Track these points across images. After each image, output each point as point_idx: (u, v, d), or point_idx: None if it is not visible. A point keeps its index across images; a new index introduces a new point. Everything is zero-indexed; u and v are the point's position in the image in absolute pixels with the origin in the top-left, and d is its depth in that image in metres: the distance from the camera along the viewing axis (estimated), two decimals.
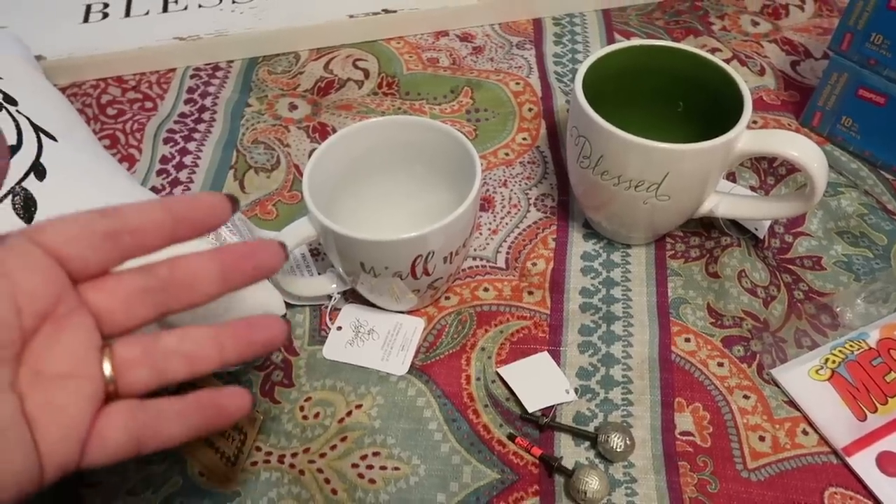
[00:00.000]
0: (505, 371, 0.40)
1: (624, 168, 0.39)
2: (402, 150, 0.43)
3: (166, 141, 0.54)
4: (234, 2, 0.63)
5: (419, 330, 0.42)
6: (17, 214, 0.34)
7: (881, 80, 0.48)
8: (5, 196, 0.35)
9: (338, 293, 0.42)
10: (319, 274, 0.45)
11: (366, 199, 0.44)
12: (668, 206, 0.41)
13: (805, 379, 0.39)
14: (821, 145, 0.53)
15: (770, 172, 0.50)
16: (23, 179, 0.35)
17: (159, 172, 0.52)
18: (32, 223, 0.26)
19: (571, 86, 0.57)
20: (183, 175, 0.51)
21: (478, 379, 0.40)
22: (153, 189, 0.51)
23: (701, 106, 0.44)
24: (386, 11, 0.61)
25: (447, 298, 0.44)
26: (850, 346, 0.40)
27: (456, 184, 0.41)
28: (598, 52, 0.43)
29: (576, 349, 0.41)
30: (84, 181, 0.38)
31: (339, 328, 0.42)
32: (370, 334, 0.42)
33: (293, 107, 0.56)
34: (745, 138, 0.39)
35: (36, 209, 0.35)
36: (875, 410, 0.37)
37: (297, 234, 0.37)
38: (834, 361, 0.40)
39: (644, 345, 0.41)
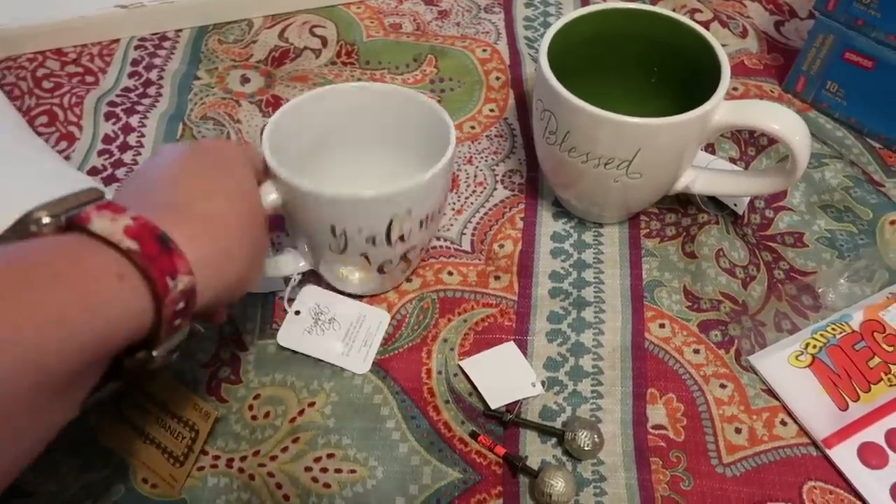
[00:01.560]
0: (468, 364, 0.38)
1: (592, 145, 0.37)
2: (372, 121, 0.40)
3: (108, 116, 0.50)
4: None
5: (384, 324, 0.39)
6: None
7: (869, 42, 0.45)
8: None
9: (297, 276, 0.39)
10: (277, 254, 0.41)
11: (332, 172, 0.41)
12: (640, 183, 0.38)
13: (784, 366, 0.37)
14: (804, 112, 0.50)
15: (751, 143, 0.47)
16: None
17: (101, 153, 0.48)
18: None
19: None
20: (127, 157, 0.48)
21: (439, 373, 0.38)
22: (93, 170, 0.47)
23: (677, 75, 0.41)
24: None
25: (409, 281, 0.41)
26: (833, 329, 0.38)
27: (430, 157, 0.37)
28: (567, 16, 0.40)
29: (544, 338, 0.39)
30: (6, 165, 0.35)
31: (298, 313, 0.39)
32: (331, 323, 0.39)
33: (245, 79, 0.53)
34: (722, 110, 0.36)
35: None
36: (857, 399, 0.36)
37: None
38: (815, 346, 0.37)
39: (616, 332, 0.39)
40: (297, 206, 0.34)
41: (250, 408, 0.37)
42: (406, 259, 0.38)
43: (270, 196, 0.34)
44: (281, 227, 0.43)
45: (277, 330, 0.39)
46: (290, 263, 0.39)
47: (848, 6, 0.45)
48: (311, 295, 0.40)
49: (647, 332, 0.39)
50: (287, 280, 0.40)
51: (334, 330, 0.39)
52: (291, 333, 0.39)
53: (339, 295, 0.41)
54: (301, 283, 0.41)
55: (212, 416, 0.35)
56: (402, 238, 0.35)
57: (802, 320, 0.39)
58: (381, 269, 0.37)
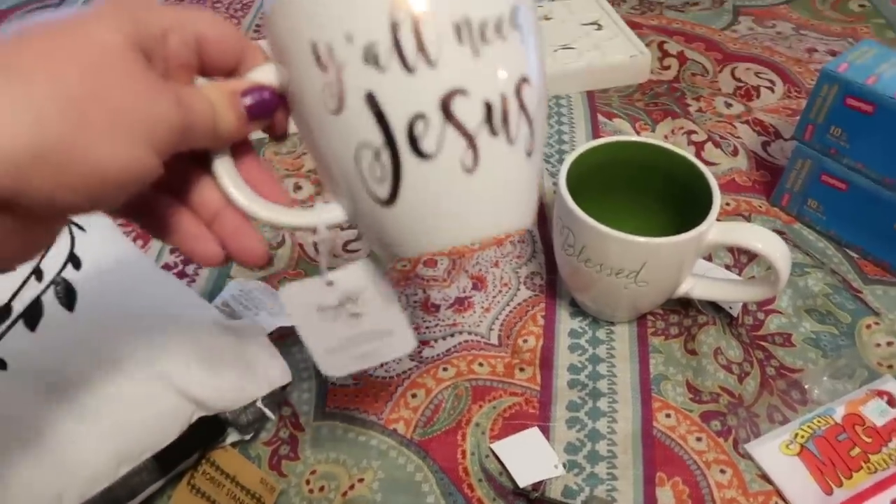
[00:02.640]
0: (498, 447, 0.43)
1: (605, 257, 0.43)
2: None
3: None
4: None
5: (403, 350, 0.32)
6: (60, 303, 0.37)
7: (841, 167, 0.52)
8: (48, 286, 0.38)
9: (326, 230, 0.27)
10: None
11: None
12: (647, 290, 0.44)
13: (777, 453, 0.42)
14: (790, 224, 0.57)
15: (742, 252, 0.54)
16: (62, 270, 0.38)
17: (173, 249, 0.55)
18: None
19: (559, 167, 0.62)
20: None
21: (472, 454, 0.43)
22: (166, 266, 0.54)
23: (677, 196, 0.48)
24: None
25: (445, 370, 0.47)
26: (818, 421, 0.43)
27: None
28: (581, 147, 0.47)
29: (564, 424, 0.44)
30: (114, 268, 0.41)
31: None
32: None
33: (298, 187, 0.60)
34: (714, 231, 0.43)
35: (76, 298, 0.38)
36: (841, 485, 0.40)
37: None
38: (803, 436, 0.43)
39: (628, 421, 0.44)
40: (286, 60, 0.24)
41: (307, 482, 0.42)
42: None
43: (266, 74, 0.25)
44: None
45: (333, 412, 0.45)
46: (308, 212, 0.27)
47: (822, 136, 0.53)
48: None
49: (655, 421, 0.44)
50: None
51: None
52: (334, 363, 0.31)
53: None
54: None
55: (276, 489, 0.40)
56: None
57: (792, 413, 0.44)
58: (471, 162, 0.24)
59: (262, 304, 0.44)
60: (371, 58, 0.22)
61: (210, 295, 0.51)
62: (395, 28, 0.22)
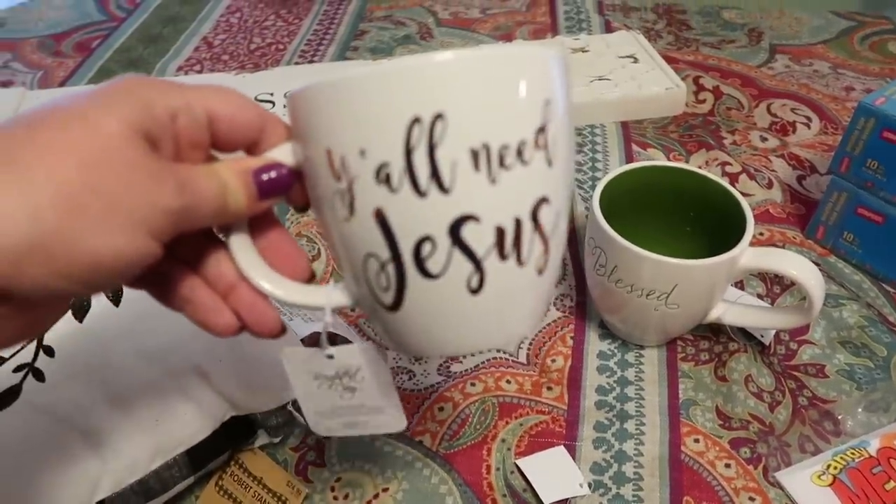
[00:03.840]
0: (523, 463, 0.43)
1: (636, 278, 0.43)
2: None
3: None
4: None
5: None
6: (108, 297, 0.38)
7: (878, 200, 0.52)
8: None
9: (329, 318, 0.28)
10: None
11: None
12: (677, 313, 0.45)
13: (808, 484, 0.41)
14: (825, 257, 0.56)
15: (776, 282, 0.54)
16: None
17: None
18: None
19: (591, 193, 0.62)
20: None
21: (497, 469, 0.43)
22: None
23: (709, 219, 0.48)
24: None
25: (473, 385, 0.47)
26: (852, 453, 0.42)
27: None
28: (615, 170, 0.48)
29: (590, 444, 0.44)
30: None
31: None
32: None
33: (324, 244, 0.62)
34: (747, 255, 0.43)
35: (122, 293, 0.39)
36: None
37: None
38: (836, 468, 0.42)
39: (655, 444, 0.44)
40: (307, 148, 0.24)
41: (332, 489, 0.42)
42: (541, 241, 0.24)
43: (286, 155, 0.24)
44: None
45: None
46: (318, 294, 0.27)
47: (858, 169, 0.53)
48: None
49: (683, 445, 0.44)
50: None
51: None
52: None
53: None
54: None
55: (302, 493, 0.41)
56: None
57: (824, 443, 0.44)
58: (477, 285, 0.23)
59: (297, 309, 0.45)
60: (383, 177, 0.22)
61: None
62: (408, 151, 0.21)
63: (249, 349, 0.39)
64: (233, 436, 0.40)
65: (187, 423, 0.37)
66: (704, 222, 0.49)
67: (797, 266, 0.42)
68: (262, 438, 0.42)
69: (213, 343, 0.38)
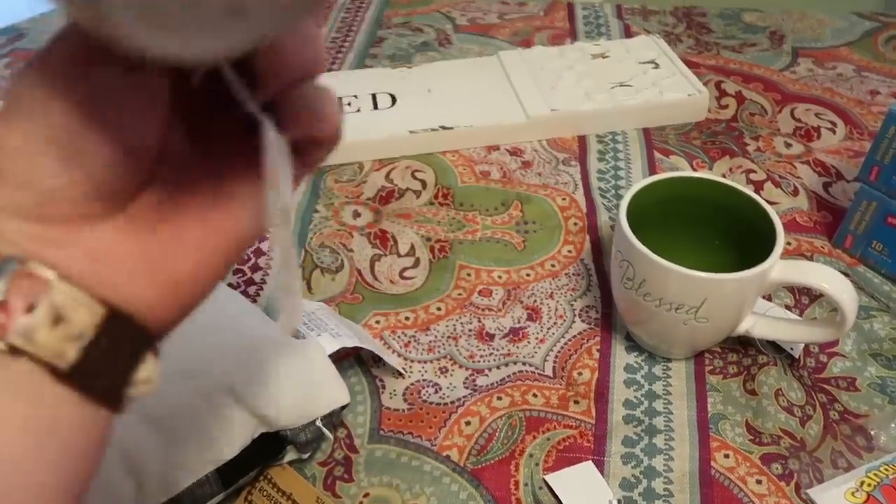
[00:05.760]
0: (552, 479, 0.43)
1: (665, 292, 0.43)
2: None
3: None
4: None
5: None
6: None
7: None
8: None
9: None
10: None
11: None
12: (706, 326, 0.44)
13: (842, 501, 0.41)
14: (853, 266, 0.56)
15: (804, 293, 0.53)
16: None
17: (235, 271, 0.57)
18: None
19: (614, 202, 0.62)
20: (257, 276, 0.57)
21: (525, 485, 0.43)
22: (229, 284, 0.56)
23: (737, 230, 0.48)
24: (443, 128, 0.67)
25: (499, 399, 0.47)
26: (885, 469, 0.42)
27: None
28: (640, 182, 0.47)
29: (619, 460, 0.44)
30: None
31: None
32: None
33: (357, 214, 0.62)
34: (778, 268, 0.42)
35: None
36: None
37: None
38: (869, 484, 0.41)
39: (685, 459, 0.44)
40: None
41: None
42: None
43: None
44: None
45: (387, 435, 0.45)
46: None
47: (888, 178, 0.52)
48: None
49: (713, 460, 0.44)
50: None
51: None
52: None
53: None
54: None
55: None
56: None
57: (857, 459, 0.43)
58: None
59: (325, 325, 0.46)
60: None
61: (268, 315, 0.52)
62: None
63: (279, 366, 0.40)
64: (262, 452, 0.40)
65: (220, 441, 0.37)
66: (732, 234, 0.48)
67: (829, 280, 0.42)
68: (290, 454, 0.42)
69: (244, 360, 0.39)
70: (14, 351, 0.18)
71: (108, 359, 0.20)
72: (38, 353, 0.18)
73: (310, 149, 0.23)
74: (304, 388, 0.40)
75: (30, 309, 0.18)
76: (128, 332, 0.20)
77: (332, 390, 0.42)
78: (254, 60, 0.20)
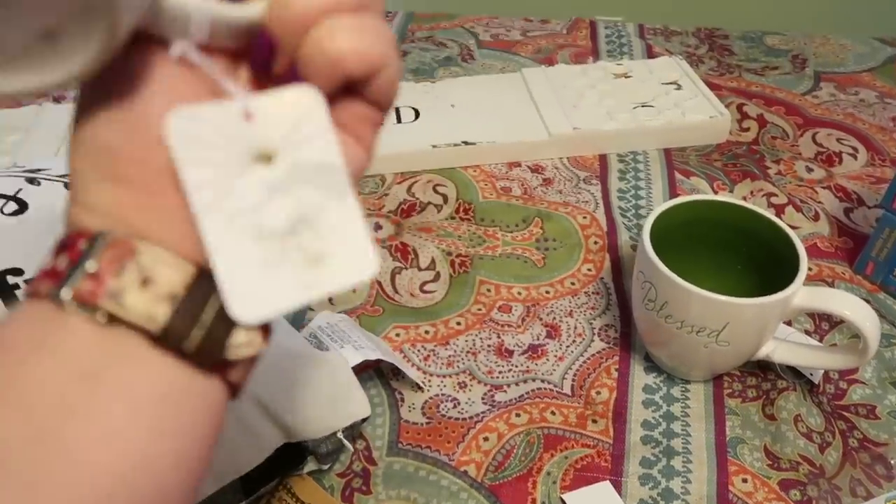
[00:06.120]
0: (569, 498, 0.43)
1: (687, 314, 0.43)
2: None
3: None
4: None
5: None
6: None
7: None
8: None
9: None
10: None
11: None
12: (727, 350, 0.44)
13: None
14: (874, 293, 0.55)
15: (824, 318, 0.53)
16: None
17: None
18: None
19: (635, 221, 0.62)
20: None
21: (543, 503, 0.43)
22: None
23: (758, 255, 0.48)
24: (465, 143, 0.68)
25: (518, 416, 0.47)
26: None
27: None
28: (663, 205, 0.48)
29: (636, 481, 0.44)
30: None
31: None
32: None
33: (378, 226, 0.62)
34: (801, 295, 0.43)
35: None
36: None
37: None
38: None
39: (703, 482, 0.44)
40: None
41: None
42: None
43: None
44: None
45: (405, 448, 0.45)
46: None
47: None
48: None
49: (731, 485, 0.44)
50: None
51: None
52: None
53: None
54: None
55: None
56: None
57: (876, 488, 0.43)
58: None
59: (348, 337, 0.46)
60: None
61: (293, 325, 0.53)
62: None
63: (304, 378, 0.40)
64: (284, 461, 0.41)
65: (244, 451, 0.37)
66: (754, 257, 0.49)
67: (851, 308, 0.42)
68: (310, 464, 0.43)
69: (272, 373, 0.39)
70: (111, 320, 0.18)
71: (200, 319, 0.19)
72: (130, 317, 0.18)
73: (364, 89, 0.22)
74: (328, 399, 0.40)
75: (118, 274, 0.18)
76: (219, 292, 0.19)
77: (354, 402, 0.42)
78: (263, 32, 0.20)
